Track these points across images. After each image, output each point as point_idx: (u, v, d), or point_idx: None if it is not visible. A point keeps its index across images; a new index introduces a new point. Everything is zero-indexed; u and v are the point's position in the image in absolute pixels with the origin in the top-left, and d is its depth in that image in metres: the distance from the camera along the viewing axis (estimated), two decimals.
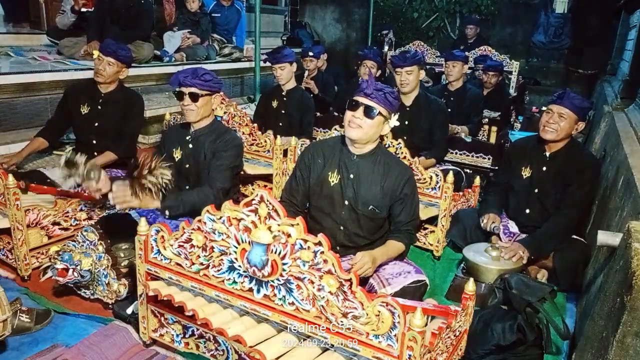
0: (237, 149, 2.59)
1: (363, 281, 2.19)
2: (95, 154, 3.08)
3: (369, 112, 2.08)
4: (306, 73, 5.12)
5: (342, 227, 2.26)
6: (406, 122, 3.50)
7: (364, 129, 2.10)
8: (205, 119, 2.56)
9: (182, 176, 2.61)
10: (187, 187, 2.60)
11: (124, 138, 3.14)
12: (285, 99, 4.02)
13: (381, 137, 2.26)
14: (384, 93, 2.08)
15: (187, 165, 2.58)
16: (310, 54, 5.11)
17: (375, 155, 2.22)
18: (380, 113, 2.09)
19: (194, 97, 2.43)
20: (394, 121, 2.17)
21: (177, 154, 2.59)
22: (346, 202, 2.23)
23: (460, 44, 7.37)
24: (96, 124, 3.08)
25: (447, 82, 4.55)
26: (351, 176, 2.21)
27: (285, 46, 4.86)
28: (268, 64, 4.12)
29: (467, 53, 5.79)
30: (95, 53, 3.02)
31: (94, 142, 3.10)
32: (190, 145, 2.57)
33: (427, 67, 5.77)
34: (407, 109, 3.53)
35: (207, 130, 2.57)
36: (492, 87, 5.18)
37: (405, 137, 3.30)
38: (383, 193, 2.20)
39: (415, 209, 2.30)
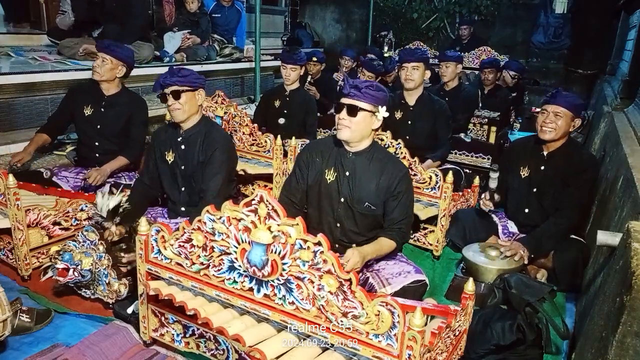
0: (224, 147, 2.53)
1: (363, 281, 2.20)
2: (97, 155, 3.09)
3: (351, 110, 2.11)
4: (308, 77, 5.21)
5: (338, 224, 2.28)
6: (409, 122, 3.50)
7: (351, 127, 2.13)
8: (193, 117, 2.53)
9: (176, 178, 2.59)
10: (183, 189, 2.58)
11: (134, 143, 3.13)
12: (288, 99, 4.03)
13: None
14: (360, 88, 2.10)
15: (183, 167, 2.56)
16: (315, 59, 5.26)
17: (371, 153, 2.24)
18: (363, 109, 2.12)
19: (176, 95, 2.42)
20: (383, 112, 2.17)
21: (170, 157, 2.57)
22: (342, 200, 2.24)
23: (456, 44, 7.41)
24: (99, 127, 3.07)
25: (443, 82, 4.55)
26: (347, 173, 2.23)
27: (299, 49, 4.97)
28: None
29: (464, 53, 5.82)
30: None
31: (96, 144, 3.10)
32: (183, 147, 2.54)
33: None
34: (411, 108, 3.52)
35: (197, 129, 2.55)
36: (491, 85, 5.19)
37: (407, 137, 3.30)
38: (378, 190, 2.22)
39: (409, 207, 2.31)
